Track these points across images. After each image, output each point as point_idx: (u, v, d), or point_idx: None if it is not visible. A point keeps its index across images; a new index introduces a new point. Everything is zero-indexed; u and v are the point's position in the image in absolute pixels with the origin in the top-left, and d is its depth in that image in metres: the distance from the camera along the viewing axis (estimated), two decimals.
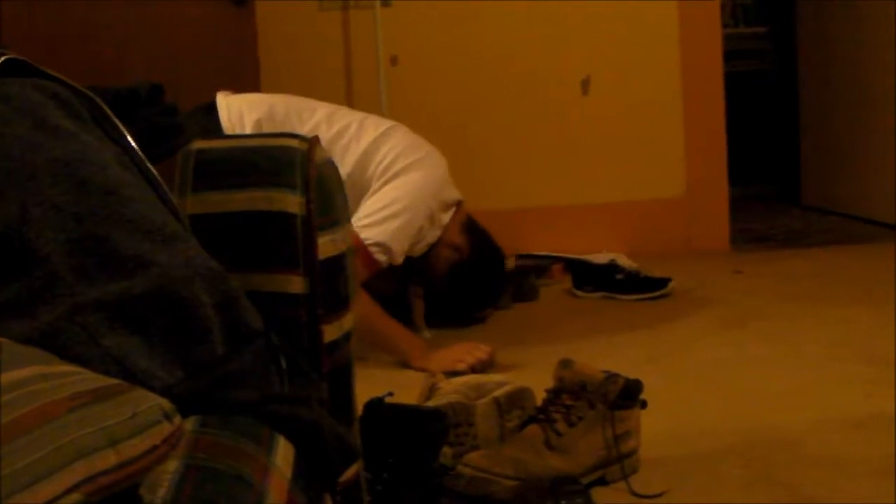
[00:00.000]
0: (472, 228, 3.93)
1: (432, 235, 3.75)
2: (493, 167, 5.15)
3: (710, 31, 5.36)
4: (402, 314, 3.73)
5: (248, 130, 3.44)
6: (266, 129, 3.46)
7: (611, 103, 5.28)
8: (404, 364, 3.47)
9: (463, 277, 3.88)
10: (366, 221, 3.50)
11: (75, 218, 1.18)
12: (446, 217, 3.79)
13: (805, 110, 6.80)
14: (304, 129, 3.50)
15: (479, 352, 3.41)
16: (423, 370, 3.24)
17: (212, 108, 3.50)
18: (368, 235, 3.48)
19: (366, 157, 3.57)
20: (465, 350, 3.43)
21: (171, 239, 1.24)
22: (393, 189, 3.56)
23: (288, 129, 3.44)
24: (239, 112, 3.48)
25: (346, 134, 3.58)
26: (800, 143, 6.85)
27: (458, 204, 3.85)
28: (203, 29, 4.20)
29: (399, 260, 3.60)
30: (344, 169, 3.54)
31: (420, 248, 3.73)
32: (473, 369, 3.26)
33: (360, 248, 3.44)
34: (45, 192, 1.18)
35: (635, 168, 5.32)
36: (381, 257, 3.51)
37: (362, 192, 3.56)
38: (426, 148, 3.73)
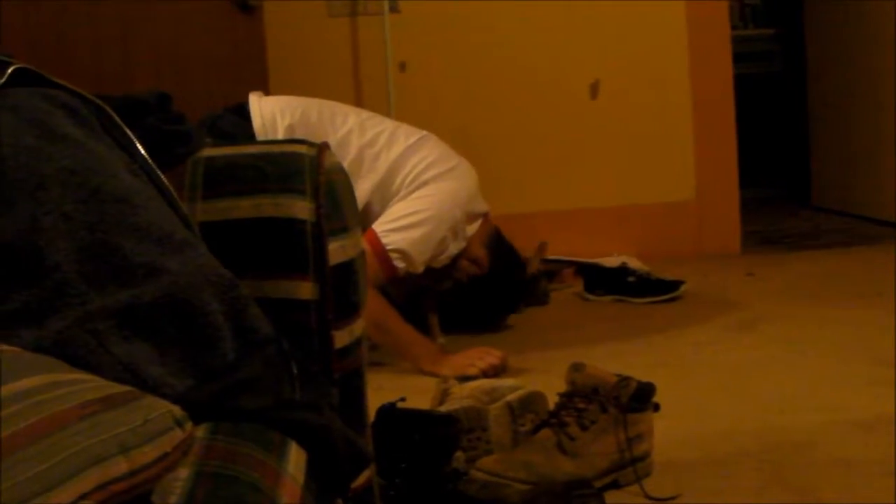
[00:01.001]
0: (497, 242, 3.90)
1: (455, 247, 3.72)
2: (503, 172, 5.14)
3: (719, 34, 5.35)
4: (415, 320, 3.72)
5: (280, 135, 3.44)
6: (299, 135, 3.46)
7: (620, 107, 5.28)
8: (416, 369, 3.46)
9: (480, 291, 3.87)
10: (389, 227, 3.49)
11: (85, 226, 1.18)
12: (472, 229, 3.76)
13: (814, 112, 6.79)
14: (337, 136, 3.51)
15: (492, 357, 3.40)
16: (434, 375, 3.23)
17: (242, 110, 3.49)
18: (390, 241, 3.47)
19: (396, 165, 3.57)
20: (477, 355, 3.42)
21: (180, 246, 1.24)
22: (419, 198, 3.55)
23: (320, 136, 3.44)
24: (272, 116, 3.48)
25: (378, 142, 3.58)
26: (810, 145, 6.84)
27: (485, 216, 3.84)
28: (211, 35, 4.20)
29: (419, 269, 3.58)
30: (375, 176, 3.55)
31: (442, 260, 3.71)
32: (486, 374, 3.25)
33: (379, 253, 3.45)
34: (54, 200, 1.19)
35: (645, 171, 5.31)
36: (400, 264, 3.50)
37: (391, 200, 3.57)
38: (456, 160, 3.72)
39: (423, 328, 3.78)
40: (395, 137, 3.62)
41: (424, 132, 3.76)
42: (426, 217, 3.53)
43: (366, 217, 3.48)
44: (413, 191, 3.56)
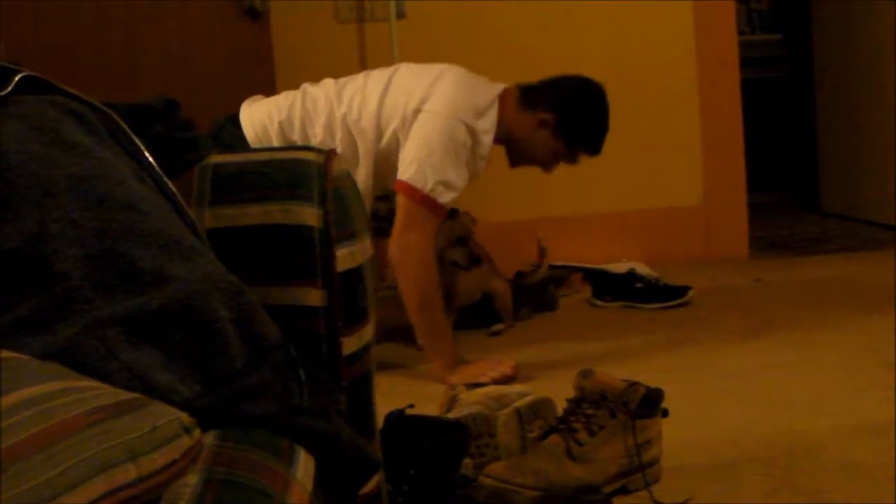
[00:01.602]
0: (532, 96, 3.74)
1: (487, 144, 3.58)
2: (510, 178, 5.12)
3: (726, 39, 5.35)
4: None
5: (274, 140, 3.43)
6: (286, 131, 3.44)
7: (627, 112, 5.26)
8: (428, 371, 3.46)
9: (573, 125, 3.75)
10: (411, 171, 3.43)
11: (93, 233, 1.18)
12: (490, 118, 3.59)
13: (822, 116, 6.79)
14: (321, 121, 3.48)
15: (503, 367, 3.38)
16: (443, 382, 3.23)
17: (237, 120, 3.50)
18: (423, 180, 3.42)
19: (378, 120, 3.50)
20: (489, 366, 3.41)
21: (188, 253, 1.24)
22: (418, 130, 3.46)
23: (308, 125, 3.44)
24: (262, 123, 3.47)
25: (354, 107, 3.52)
26: (817, 150, 6.83)
27: (501, 95, 3.67)
28: (218, 43, 4.20)
29: (460, 189, 3.49)
30: (367, 139, 3.49)
31: (482, 166, 3.61)
32: (496, 382, 3.23)
33: (419, 198, 3.42)
34: (62, 207, 1.19)
35: (653, 176, 5.31)
36: (445, 197, 3.45)
37: (395, 149, 3.52)
38: (432, 73, 3.61)
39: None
40: (366, 91, 3.55)
41: (394, 67, 3.70)
42: (436, 141, 3.44)
43: (389, 177, 3.49)
44: (409, 129, 3.48)
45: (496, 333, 4.11)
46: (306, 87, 3.60)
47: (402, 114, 3.48)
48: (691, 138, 5.30)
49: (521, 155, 3.75)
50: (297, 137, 3.44)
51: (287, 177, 1.49)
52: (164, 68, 4.05)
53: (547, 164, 3.80)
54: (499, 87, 3.68)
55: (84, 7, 3.90)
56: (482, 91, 3.63)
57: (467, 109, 3.52)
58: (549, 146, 3.71)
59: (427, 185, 3.40)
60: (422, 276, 3.44)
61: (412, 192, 3.40)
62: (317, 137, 3.45)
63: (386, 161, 3.49)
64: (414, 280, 3.43)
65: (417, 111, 3.47)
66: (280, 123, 3.45)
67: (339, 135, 3.46)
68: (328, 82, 3.62)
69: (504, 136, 3.64)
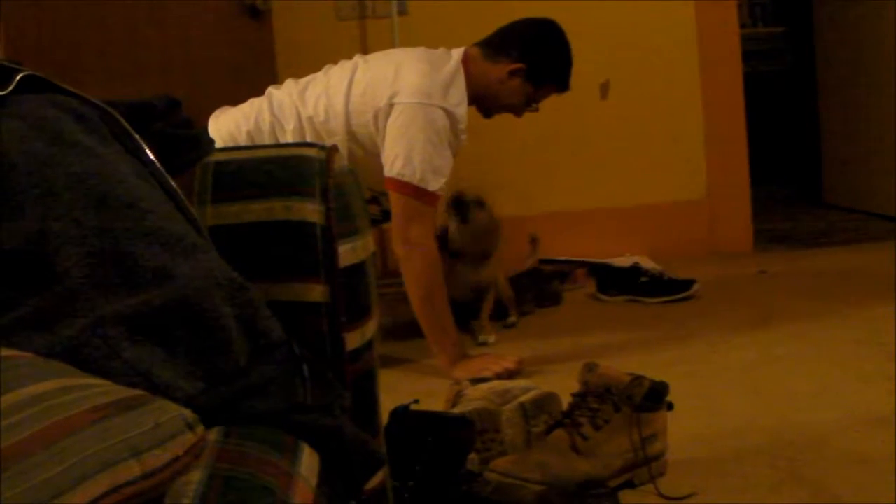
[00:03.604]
0: (494, 49, 3.77)
1: (462, 118, 3.57)
2: (514, 173, 5.15)
3: (728, 33, 5.35)
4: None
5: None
6: (256, 139, 3.44)
7: (630, 107, 5.27)
8: (432, 364, 3.46)
9: (541, 68, 3.81)
10: (398, 165, 3.43)
11: (95, 232, 1.18)
12: (458, 90, 3.59)
13: (825, 109, 6.78)
14: (290, 127, 3.47)
15: (507, 361, 3.39)
16: (448, 377, 3.24)
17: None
18: (410, 172, 3.43)
19: (348, 119, 3.50)
20: (492, 360, 3.42)
21: (190, 250, 1.24)
22: (393, 123, 3.46)
23: (277, 134, 3.45)
24: (229, 133, 3.46)
25: (320, 110, 3.51)
26: (820, 142, 6.82)
27: (463, 59, 3.67)
28: (220, 40, 4.20)
29: (447, 174, 3.50)
30: (340, 138, 3.49)
31: (462, 140, 3.61)
32: (500, 377, 3.23)
33: (410, 190, 3.42)
34: (64, 206, 1.19)
35: (656, 171, 5.31)
36: (435, 184, 3.45)
37: (372, 146, 3.52)
38: (391, 65, 3.60)
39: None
40: (330, 91, 3.54)
41: (352, 61, 3.69)
42: (414, 130, 3.44)
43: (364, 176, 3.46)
44: (383, 125, 3.48)
45: (510, 325, 4.14)
46: (271, 91, 3.60)
47: (374, 111, 3.48)
48: (694, 132, 5.30)
49: (493, 106, 3.82)
50: (268, 143, 3.44)
51: (289, 173, 1.49)
52: (166, 67, 4.04)
53: (519, 110, 3.87)
54: (459, 53, 3.70)
55: (85, 7, 3.90)
56: (444, 65, 3.62)
57: (436, 91, 3.52)
58: (521, 92, 3.77)
59: (415, 175, 3.41)
60: (426, 268, 3.45)
61: (402, 185, 3.41)
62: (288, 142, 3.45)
63: (360, 161, 3.48)
64: (419, 272, 3.44)
65: (390, 106, 3.47)
66: (248, 133, 3.45)
67: (308, 137, 3.46)
68: (290, 83, 3.62)
69: (475, 95, 3.67)
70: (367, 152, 3.50)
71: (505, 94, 3.73)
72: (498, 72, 3.71)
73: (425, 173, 3.42)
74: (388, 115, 3.45)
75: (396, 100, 3.46)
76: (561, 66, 3.87)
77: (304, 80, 3.63)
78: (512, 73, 3.70)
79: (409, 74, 3.52)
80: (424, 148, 3.43)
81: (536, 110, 3.88)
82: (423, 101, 3.47)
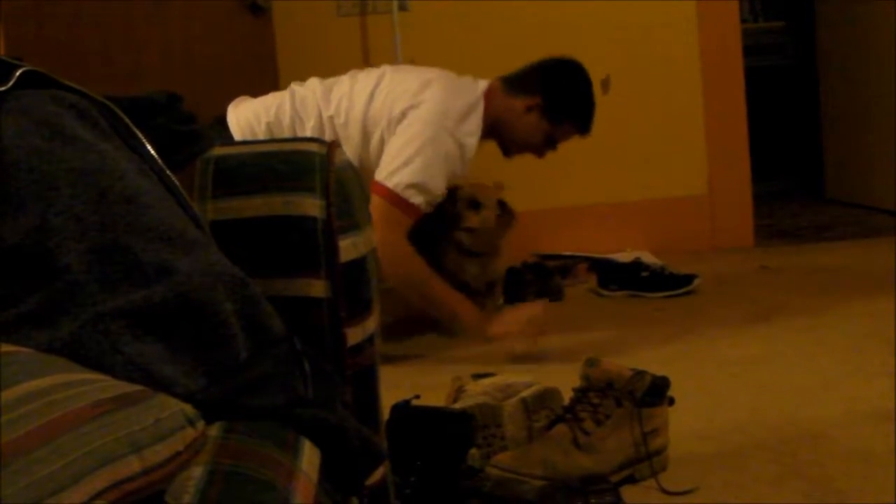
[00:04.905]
0: (516, 83, 3.82)
1: (471, 148, 3.62)
2: (515, 169, 5.13)
3: (729, 27, 5.35)
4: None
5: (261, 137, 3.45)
6: (275, 132, 3.46)
7: (631, 102, 5.27)
8: (430, 368, 3.46)
9: (559, 105, 3.82)
10: (390, 169, 3.46)
11: (95, 227, 1.18)
12: (474, 121, 3.63)
13: (826, 104, 6.78)
14: (310, 123, 3.49)
15: (531, 309, 3.50)
16: (485, 337, 3.36)
17: (225, 122, 3.51)
18: (398, 181, 3.45)
19: (365, 123, 3.54)
20: (520, 312, 3.52)
21: (191, 245, 1.24)
22: (403, 131, 3.50)
23: (298, 128, 3.46)
24: (248, 123, 3.48)
25: (341, 111, 3.55)
26: (822, 137, 6.82)
27: (486, 91, 3.73)
28: (221, 39, 4.20)
29: (438, 195, 3.54)
30: (352, 142, 3.51)
31: (463, 172, 3.65)
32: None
33: (393, 198, 3.44)
34: (64, 202, 1.18)
35: (657, 166, 5.31)
36: (418, 199, 3.47)
37: (379, 154, 3.55)
38: (418, 80, 3.64)
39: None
40: (353, 95, 3.58)
41: (380, 69, 3.72)
42: (419, 143, 3.48)
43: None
44: (392, 132, 3.52)
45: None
46: (294, 87, 3.62)
47: (388, 118, 3.51)
48: (695, 127, 5.30)
49: (512, 142, 3.83)
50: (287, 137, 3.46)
51: (289, 168, 1.49)
52: (167, 65, 4.04)
53: (539, 149, 3.88)
54: (483, 84, 3.74)
55: (86, 5, 3.90)
56: (467, 93, 3.66)
57: (453, 115, 3.55)
58: (538, 129, 3.78)
59: (400, 186, 3.44)
60: (403, 270, 3.45)
61: (385, 192, 3.43)
62: None
63: (372, 166, 3.51)
64: (401, 277, 3.46)
65: (404, 114, 3.51)
66: (268, 124, 3.47)
67: (328, 136, 3.47)
68: (314, 82, 3.64)
69: (493, 129, 3.70)
70: (378, 159, 3.52)
71: (521, 129, 3.75)
72: (516, 105, 3.74)
73: (410, 187, 3.45)
74: (399, 122, 3.48)
75: (412, 112, 3.50)
76: (580, 106, 3.86)
77: (329, 81, 3.67)
78: (529, 108, 3.74)
79: (432, 92, 3.56)
80: (423, 164, 3.47)
81: (556, 150, 3.87)
82: (438, 122, 3.51)
